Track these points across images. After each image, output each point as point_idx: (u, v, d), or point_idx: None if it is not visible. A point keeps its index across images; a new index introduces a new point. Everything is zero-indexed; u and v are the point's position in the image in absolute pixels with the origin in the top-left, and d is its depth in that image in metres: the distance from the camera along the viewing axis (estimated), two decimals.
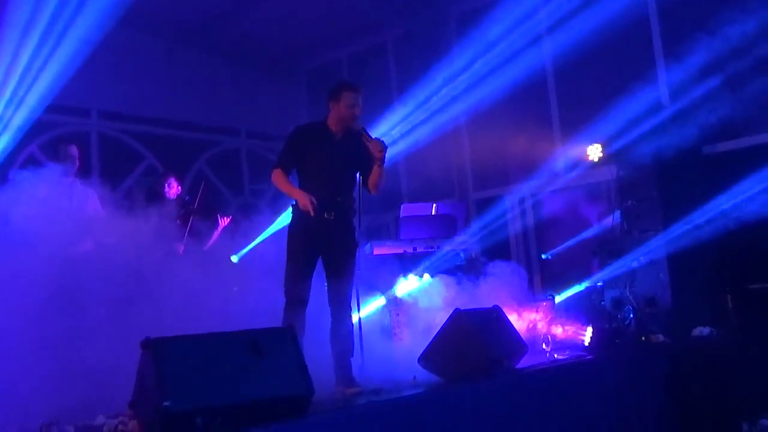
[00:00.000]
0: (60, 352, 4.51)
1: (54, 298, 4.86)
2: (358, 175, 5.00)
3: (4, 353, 4.45)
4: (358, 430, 3.63)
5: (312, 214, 4.62)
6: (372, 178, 4.94)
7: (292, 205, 4.91)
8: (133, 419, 3.51)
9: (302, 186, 4.88)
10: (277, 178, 4.83)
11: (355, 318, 5.07)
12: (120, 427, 3.52)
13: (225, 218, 6.93)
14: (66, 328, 4.74)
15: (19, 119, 6.29)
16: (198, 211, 6.77)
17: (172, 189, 6.87)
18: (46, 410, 3.66)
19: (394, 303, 6.26)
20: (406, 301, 6.27)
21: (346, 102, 4.79)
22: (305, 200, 4.65)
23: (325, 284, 4.87)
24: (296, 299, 4.72)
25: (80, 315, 4.98)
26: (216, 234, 6.87)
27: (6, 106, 6.19)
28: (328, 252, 4.83)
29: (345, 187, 4.97)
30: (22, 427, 3.57)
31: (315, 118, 5.15)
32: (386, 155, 4.83)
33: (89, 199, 6.11)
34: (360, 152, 4.89)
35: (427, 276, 6.45)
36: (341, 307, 4.81)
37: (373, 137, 4.82)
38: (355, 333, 4.92)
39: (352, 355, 4.75)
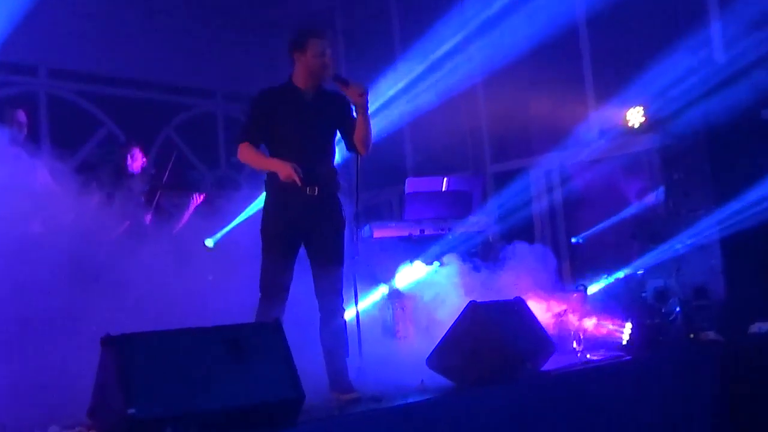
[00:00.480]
0: (6, 351, 4.52)
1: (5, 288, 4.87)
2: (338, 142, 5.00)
3: None
4: None
5: (299, 183, 4.58)
6: (357, 133, 4.88)
7: (266, 181, 4.89)
8: (92, 429, 3.52)
9: (275, 158, 4.84)
10: (245, 152, 4.77)
11: (351, 312, 5.08)
12: None
13: (198, 196, 6.92)
14: (12, 323, 4.76)
15: None
16: (166, 187, 6.77)
17: (137, 161, 6.87)
18: None
19: (398, 295, 6.28)
20: (412, 292, 6.29)
21: (313, 51, 4.75)
22: (287, 169, 4.59)
23: (311, 272, 4.87)
24: (275, 291, 4.70)
25: (29, 308, 4.99)
26: (187, 214, 6.87)
27: None
28: (313, 236, 4.80)
29: (326, 155, 4.95)
30: None
31: None
32: (369, 100, 4.78)
33: (37, 173, 6.10)
34: (337, 109, 4.90)
35: (436, 263, 6.47)
36: (332, 299, 4.79)
37: (349, 81, 4.76)
38: (351, 330, 4.93)
39: (348, 356, 4.75)
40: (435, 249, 6.70)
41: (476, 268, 6.34)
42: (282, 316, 4.64)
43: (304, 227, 4.78)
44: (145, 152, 7.10)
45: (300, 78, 4.85)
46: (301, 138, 4.80)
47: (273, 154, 4.88)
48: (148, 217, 6.52)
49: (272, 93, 4.90)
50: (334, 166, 4.99)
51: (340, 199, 4.97)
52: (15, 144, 6.02)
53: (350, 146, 5.00)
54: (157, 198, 6.65)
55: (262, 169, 4.81)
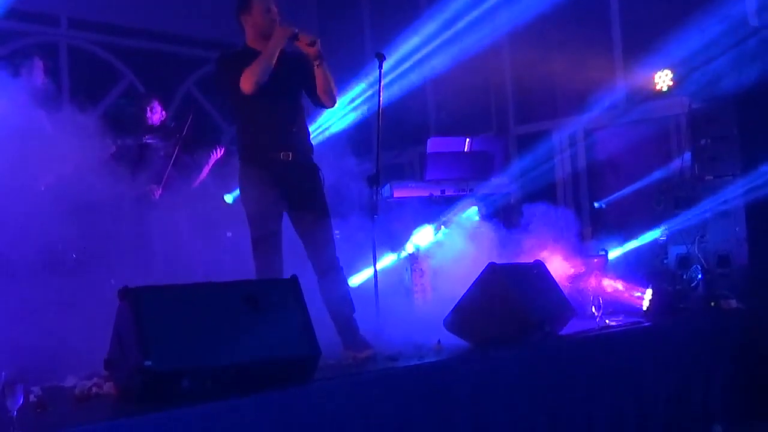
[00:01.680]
0: (25, 303, 4.58)
1: (18, 241, 4.91)
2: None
3: None
4: (372, 400, 3.68)
5: (296, 32, 4.67)
6: (319, 85, 4.91)
7: (239, 151, 4.93)
8: (109, 381, 3.57)
9: (245, 128, 4.90)
10: (247, 74, 4.68)
11: (369, 272, 5.12)
12: (94, 390, 3.58)
13: (218, 150, 6.90)
14: (31, 275, 4.81)
15: None
16: (186, 140, 6.75)
17: (156, 114, 6.87)
18: (8, 368, 3.74)
19: (416, 255, 6.30)
20: (430, 253, 6.30)
21: (258, 8, 4.83)
22: (282, 32, 4.69)
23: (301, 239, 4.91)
24: (269, 258, 4.74)
25: (47, 261, 5.04)
26: (207, 168, 6.87)
27: None
28: (295, 199, 4.86)
29: (296, 117, 4.99)
30: None
31: (324, 33, 5.16)
32: (320, 48, 4.79)
33: (41, 122, 6.07)
34: (299, 68, 4.92)
35: (442, 228, 6.48)
36: (327, 252, 4.86)
37: (297, 33, 4.76)
38: (368, 289, 4.97)
39: (354, 311, 4.78)
40: (453, 210, 6.70)
41: (497, 229, 6.35)
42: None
43: (284, 194, 4.81)
44: (165, 105, 7.11)
45: (253, 40, 4.89)
46: (270, 102, 4.81)
47: (242, 121, 4.93)
48: (157, 192, 6.49)
49: (235, 57, 4.90)
50: (306, 128, 5.05)
51: (314, 161, 5.01)
52: (32, 93, 5.99)
53: (316, 101, 5.04)
54: (176, 152, 6.64)
55: (271, 59, 4.69)
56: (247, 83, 4.67)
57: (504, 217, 7.07)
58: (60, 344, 4.22)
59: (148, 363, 3.14)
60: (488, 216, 6.85)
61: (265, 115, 4.83)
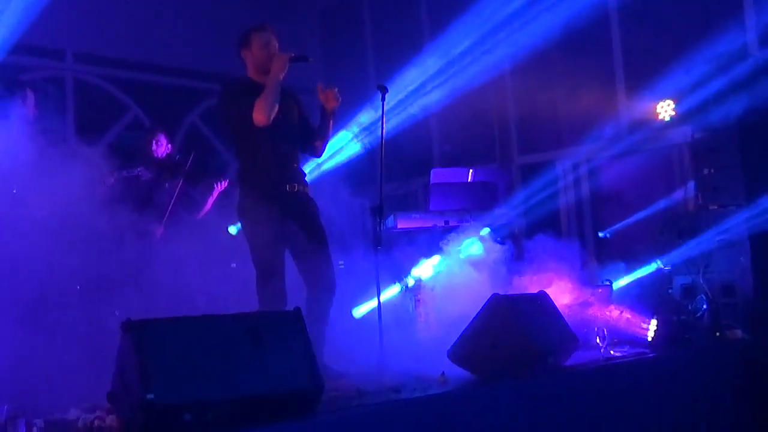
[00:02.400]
0: (27, 335, 4.58)
1: (20, 272, 4.92)
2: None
3: None
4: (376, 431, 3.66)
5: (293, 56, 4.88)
6: (323, 136, 5.20)
7: (241, 180, 5.03)
8: (112, 413, 3.56)
9: (251, 159, 4.99)
10: (257, 106, 4.82)
11: (373, 303, 5.12)
12: (96, 423, 3.57)
13: (222, 183, 6.94)
14: (34, 307, 4.82)
15: None
16: (190, 174, 6.79)
17: (161, 147, 6.91)
18: (11, 402, 3.73)
19: (419, 286, 6.29)
20: (434, 284, 6.29)
21: (257, 44, 5.03)
22: (282, 59, 4.87)
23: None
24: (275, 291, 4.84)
25: (51, 292, 5.05)
26: (211, 201, 6.91)
27: None
28: (299, 236, 4.97)
29: (296, 151, 5.17)
30: None
31: (328, 65, 5.28)
32: None
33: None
34: (297, 106, 5.15)
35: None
36: (328, 273, 5.03)
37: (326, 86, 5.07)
38: (372, 320, 4.97)
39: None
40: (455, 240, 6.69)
41: (508, 253, 6.36)
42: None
43: (288, 225, 4.93)
44: (170, 138, 7.14)
45: (254, 73, 5.07)
46: (274, 134, 4.93)
47: (247, 152, 5.03)
48: (159, 230, 6.53)
49: (239, 85, 5.06)
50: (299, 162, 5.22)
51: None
52: (23, 122, 5.97)
53: (307, 147, 5.24)
54: (179, 186, 6.67)
55: (277, 88, 4.86)
56: (260, 115, 4.80)
57: (508, 247, 7.06)
58: (63, 376, 4.21)
59: (150, 396, 3.12)
60: (499, 240, 6.82)
61: (271, 147, 4.94)
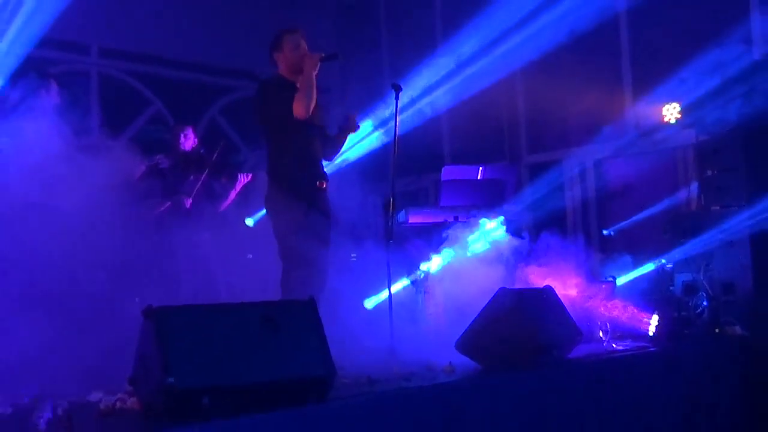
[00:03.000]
0: (52, 321, 4.62)
1: (45, 259, 4.95)
2: None
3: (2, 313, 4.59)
4: (386, 418, 3.69)
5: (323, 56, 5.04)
6: (337, 147, 5.47)
7: (278, 175, 5.10)
8: (133, 396, 3.60)
9: (285, 154, 5.09)
10: (296, 104, 4.96)
11: (384, 295, 5.15)
12: (118, 405, 3.61)
13: (245, 176, 6.95)
14: (60, 294, 4.86)
15: (10, 55, 6.35)
16: (215, 165, 6.82)
17: (189, 140, 6.94)
18: (37, 384, 3.78)
19: (429, 279, 6.31)
20: (443, 277, 6.31)
21: (288, 46, 5.15)
22: (313, 58, 5.01)
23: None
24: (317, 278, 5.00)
25: (75, 279, 5.08)
26: (234, 193, 6.92)
27: None
28: (319, 231, 5.10)
29: (321, 148, 5.31)
30: (12, 402, 3.69)
31: (344, 62, 5.42)
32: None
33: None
34: (320, 107, 5.24)
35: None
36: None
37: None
38: (383, 311, 5.01)
39: None
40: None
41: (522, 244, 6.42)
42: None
43: (317, 218, 5.08)
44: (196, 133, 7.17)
45: (287, 72, 5.18)
46: (307, 131, 5.11)
47: (283, 147, 5.12)
48: (188, 200, 6.57)
49: (276, 85, 5.16)
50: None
51: None
52: (46, 114, 6.01)
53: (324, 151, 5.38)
54: (204, 176, 6.69)
55: (312, 86, 5.00)
56: (300, 109, 4.95)
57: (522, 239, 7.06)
58: (86, 361, 4.26)
59: (170, 380, 3.16)
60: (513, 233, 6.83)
61: (304, 143, 5.10)
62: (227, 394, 3.28)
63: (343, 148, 5.61)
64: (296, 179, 5.07)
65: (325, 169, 5.32)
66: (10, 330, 4.58)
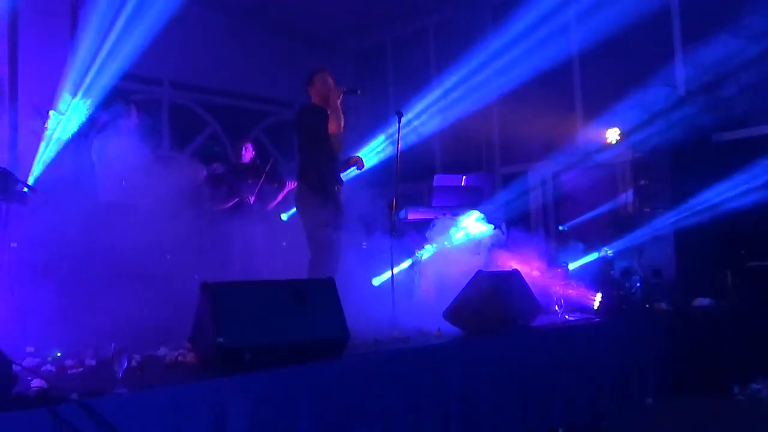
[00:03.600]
0: (131, 293, 4.61)
1: (127, 247, 4.93)
2: None
3: (92, 287, 4.58)
4: (388, 371, 3.67)
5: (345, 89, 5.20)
6: (342, 170, 5.46)
7: (309, 182, 5.12)
8: (191, 352, 3.60)
9: (316, 162, 5.14)
10: (332, 122, 5.11)
11: (387, 275, 5.12)
12: (179, 358, 3.60)
13: (291, 182, 6.89)
14: (137, 273, 4.85)
15: (100, 86, 6.34)
16: (269, 173, 6.80)
17: (248, 153, 6.90)
18: (117, 341, 3.77)
19: (423, 262, 6.28)
20: (434, 261, 6.29)
21: (319, 82, 5.24)
22: (339, 92, 5.16)
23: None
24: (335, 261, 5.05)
25: (150, 262, 5.06)
26: (281, 196, 6.86)
27: (92, 74, 6.24)
28: (335, 224, 5.12)
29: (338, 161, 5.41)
30: (96, 352, 3.68)
31: (359, 94, 5.40)
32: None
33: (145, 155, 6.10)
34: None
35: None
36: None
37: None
38: (387, 289, 4.99)
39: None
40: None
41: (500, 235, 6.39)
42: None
43: (331, 215, 5.09)
44: (239, 148, 7.12)
45: (318, 101, 5.23)
46: (331, 146, 5.21)
47: (314, 156, 5.17)
48: (252, 198, 6.53)
49: (312, 109, 5.24)
50: None
51: None
52: (129, 132, 6.00)
53: None
54: (261, 181, 6.64)
55: (339, 112, 5.15)
56: (334, 127, 5.10)
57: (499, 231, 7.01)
58: (156, 323, 4.25)
59: (220, 340, 3.17)
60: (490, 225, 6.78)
61: (329, 156, 5.17)
62: (264, 351, 3.27)
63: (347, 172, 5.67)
64: (322, 183, 5.10)
65: (341, 177, 5.37)
66: (99, 299, 4.58)
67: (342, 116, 5.14)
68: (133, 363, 3.40)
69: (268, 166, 6.83)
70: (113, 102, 6.02)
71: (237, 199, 6.46)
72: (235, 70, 9.35)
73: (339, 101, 5.14)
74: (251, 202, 6.48)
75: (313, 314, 3.51)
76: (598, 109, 7.93)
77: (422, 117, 8.54)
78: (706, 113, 6.92)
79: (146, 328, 4.14)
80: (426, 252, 6.32)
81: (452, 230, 6.51)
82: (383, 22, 9.97)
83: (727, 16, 6.86)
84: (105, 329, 3.98)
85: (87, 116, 5.62)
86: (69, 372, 3.40)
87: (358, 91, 5.36)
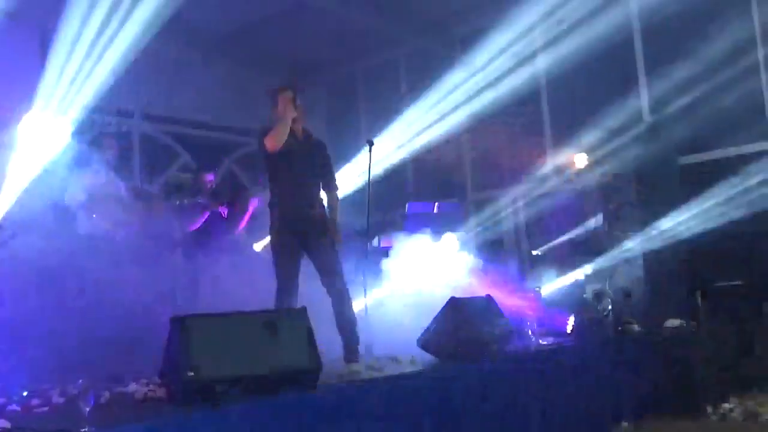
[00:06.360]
0: (99, 326, 4.52)
1: (100, 279, 4.85)
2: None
3: (56, 323, 4.47)
4: (362, 402, 3.62)
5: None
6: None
7: (270, 205, 4.82)
8: (162, 387, 3.52)
9: (274, 184, 4.81)
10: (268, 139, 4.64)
11: (361, 303, 5.08)
12: (149, 394, 3.53)
13: (254, 200, 6.70)
14: (103, 305, 4.76)
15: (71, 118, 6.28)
16: (223, 192, 6.69)
17: (210, 180, 6.81)
18: (84, 377, 3.69)
19: (396, 289, 6.27)
20: (409, 287, 6.27)
21: (273, 102, 4.78)
22: (284, 100, 4.68)
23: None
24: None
25: (119, 295, 4.97)
26: (246, 216, 6.68)
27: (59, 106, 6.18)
28: (310, 242, 4.71)
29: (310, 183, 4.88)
30: (63, 392, 3.59)
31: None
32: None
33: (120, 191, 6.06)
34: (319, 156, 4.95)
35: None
36: (338, 299, 4.66)
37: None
38: (360, 316, 4.90)
39: (357, 343, 4.62)
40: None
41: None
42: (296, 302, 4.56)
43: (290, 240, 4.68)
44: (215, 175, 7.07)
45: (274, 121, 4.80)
46: (287, 164, 4.77)
47: (273, 176, 4.81)
48: (224, 210, 6.45)
49: (264, 128, 4.81)
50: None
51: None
52: (107, 165, 5.94)
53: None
54: (219, 204, 6.56)
55: (282, 122, 4.65)
56: (270, 141, 4.63)
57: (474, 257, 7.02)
58: (125, 359, 4.16)
59: (190, 374, 3.11)
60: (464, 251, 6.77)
61: (286, 176, 4.74)
62: (235, 383, 3.22)
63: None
64: (278, 207, 4.71)
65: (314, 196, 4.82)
66: (66, 333, 4.47)
67: (286, 126, 4.61)
68: (102, 400, 3.31)
69: (220, 183, 6.72)
70: (92, 134, 5.97)
71: (207, 214, 6.36)
72: (206, 100, 9.33)
73: (285, 110, 4.65)
74: (224, 214, 6.39)
75: (284, 345, 3.46)
76: (566, 136, 8.04)
77: (393, 145, 8.57)
78: (671, 137, 7.05)
79: (115, 364, 4.05)
80: (399, 278, 6.30)
81: (426, 256, 6.52)
82: (354, 53, 10.04)
83: (688, 42, 7.03)
84: (74, 366, 3.89)
85: (66, 148, 5.55)
86: (35, 411, 3.30)
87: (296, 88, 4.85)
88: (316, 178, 4.87)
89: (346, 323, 4.64)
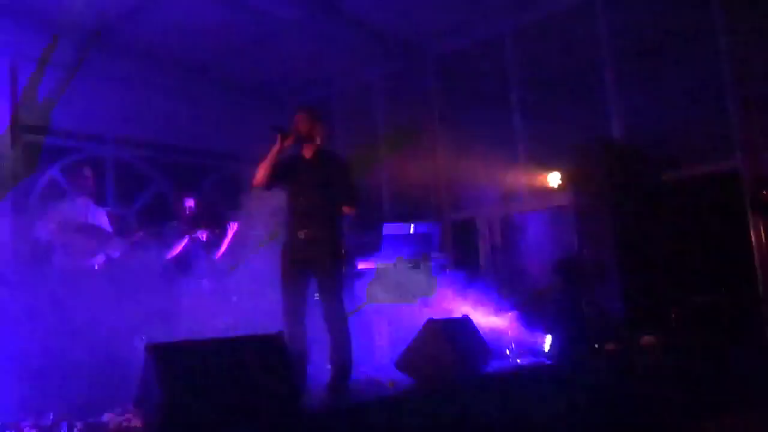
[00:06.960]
0: (72, 357, 4.46)
1: (76, 307, 4.80)
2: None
3: (29, 352, 4.42)
4: (342, 426, 3.61)
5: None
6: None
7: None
8: (137, 416, 3.48)
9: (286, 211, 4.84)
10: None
11: None
12: (125, 424, 3.49)
13: (233, 224, 6.70)
14: (80, 331, 4.70)
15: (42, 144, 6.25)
16: (203, 216, 6.66)
17: (188, 205, 6.78)
18: (58, 407, 3.64)
19: (375, 311, 6.26)
20: (387, 309, 6.27)
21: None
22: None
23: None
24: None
25: (95, 322, 4.92)
26: (226, 242, 6.68)
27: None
28: (315, 266, 4.68)
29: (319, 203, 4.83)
30: (36, 423, 3.53)
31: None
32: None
33: (101, 218, 6.06)
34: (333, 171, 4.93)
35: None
36: (334, 326, 4.62)
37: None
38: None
39: (349, 378, 4.50)
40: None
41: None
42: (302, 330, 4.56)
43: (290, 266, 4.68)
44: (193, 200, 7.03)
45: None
46: (292, 190, 4.86)
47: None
48: (203, 234, 6.43)
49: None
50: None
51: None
52: (87, 193, 5.94)
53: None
54: (198, 230, 6.53)
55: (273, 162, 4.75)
56: (253, 179, 4.80)
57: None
58: (98, 388, 4.11)
59: (166, 402, 3.07)
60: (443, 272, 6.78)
61: (291, 203, 4.84)
62: (213, 412, 3.19)
63: None
64: (286, 232, 4.74)
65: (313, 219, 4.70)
66: (40, 363, 4.41)
67: (265, 163, 4.74)
68: (75, 431, 3.26)
69: (200, 209, 6.71)
70: (66, 162, 5.94)
71: (186, 238, 6.34)
72: (181, 125, 9.30)
73: (274, 148, 4.76)
74: (203, 239, 6.37)
75: (262, 372, 3.45)
76: (539, 157, 8.13)
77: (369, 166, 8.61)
78: (644, 155, 7.16)
79: (88, 394, 3.99)
80: (376, 300, 6.30)
81: (402, 277, 6.52)
82: (328, 77, 10.10)
83: (658, 61, 7.16)
84: (47, 396, 3.83)
85: (40, 179, 5.52)
86: None
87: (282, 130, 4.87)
88: (326, 198, 4.75)
89: (342, 352, 4.54)
